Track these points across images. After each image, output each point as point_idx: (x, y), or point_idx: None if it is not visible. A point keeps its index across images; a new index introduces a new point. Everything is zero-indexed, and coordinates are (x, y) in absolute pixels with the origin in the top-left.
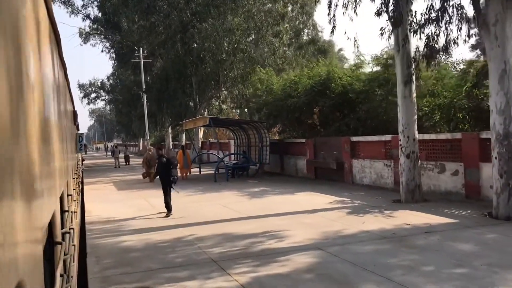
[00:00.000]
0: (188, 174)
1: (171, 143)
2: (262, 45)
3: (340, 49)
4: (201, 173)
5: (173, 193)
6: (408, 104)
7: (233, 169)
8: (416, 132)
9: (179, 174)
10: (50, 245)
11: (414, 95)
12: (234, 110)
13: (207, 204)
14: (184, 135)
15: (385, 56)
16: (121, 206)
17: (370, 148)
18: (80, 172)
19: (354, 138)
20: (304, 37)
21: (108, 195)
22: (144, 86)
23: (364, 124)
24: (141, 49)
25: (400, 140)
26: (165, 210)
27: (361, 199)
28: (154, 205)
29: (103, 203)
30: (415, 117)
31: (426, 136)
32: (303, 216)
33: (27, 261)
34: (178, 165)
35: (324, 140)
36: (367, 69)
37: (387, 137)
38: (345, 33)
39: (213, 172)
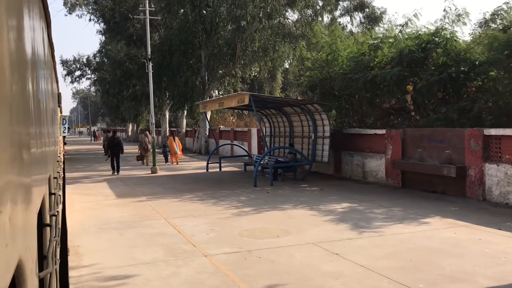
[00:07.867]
0: (178, 159)
1: (167, 129)
2: (299, 7)
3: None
4: (221, 169)
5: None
6: None
7: (276, 169)
8: None
9: (169, 160)
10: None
11: None
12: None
13: (290, 243)
14: (184, 121)
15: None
16: (133, 240)
17: None
18: (62, 156)
19: (492, 131)
20: (345, 3)
21: (104, 208)
22: (149, 52)
23: (497, 110)
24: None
25: None
26: (209, 247)
27: None
28: (191, 236)
29: (99, 231)
30: None
31: None
32: None
33: (25, 241)
34: (170, 151)
35: (423, 132)
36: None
37: None
38: None
39: (234, 168)
